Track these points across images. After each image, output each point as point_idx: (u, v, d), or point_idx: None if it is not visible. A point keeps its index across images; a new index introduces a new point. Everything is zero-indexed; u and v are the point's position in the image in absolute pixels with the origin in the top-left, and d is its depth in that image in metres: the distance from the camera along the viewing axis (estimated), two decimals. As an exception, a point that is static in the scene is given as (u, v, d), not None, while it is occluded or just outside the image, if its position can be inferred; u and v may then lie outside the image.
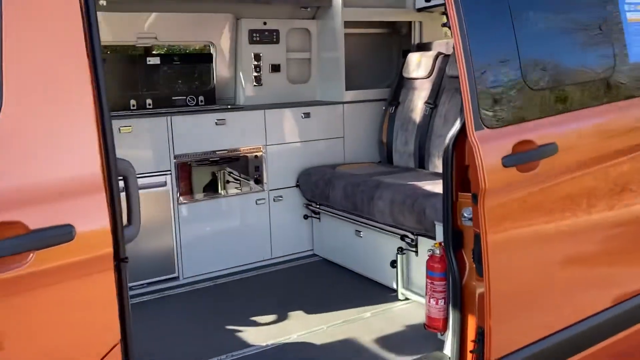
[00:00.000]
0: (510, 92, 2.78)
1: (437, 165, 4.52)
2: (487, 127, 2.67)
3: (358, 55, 5.40)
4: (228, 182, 4.58)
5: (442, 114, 4.55)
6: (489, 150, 2.65)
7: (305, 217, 4.83)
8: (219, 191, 4.53)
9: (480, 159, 2.63)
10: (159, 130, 4.20)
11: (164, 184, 4.25)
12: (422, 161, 4.69)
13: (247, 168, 4.63)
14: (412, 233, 3.78)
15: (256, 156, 4.64)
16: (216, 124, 4.41)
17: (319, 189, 4.49)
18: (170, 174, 4.27)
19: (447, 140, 2.93)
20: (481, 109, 2.66)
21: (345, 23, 4.94)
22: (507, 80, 2.77)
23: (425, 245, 3.70)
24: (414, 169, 4.66)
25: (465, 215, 2.94)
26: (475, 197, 2.71)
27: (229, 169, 4.57)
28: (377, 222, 4.03)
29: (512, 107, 2.77)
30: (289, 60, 5.15)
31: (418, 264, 3.81)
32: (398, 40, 5.64)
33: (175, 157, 4.28)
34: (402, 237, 3.84)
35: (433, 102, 4.65)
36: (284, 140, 4.75)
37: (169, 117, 4.23)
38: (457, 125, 2.92)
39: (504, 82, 2.76)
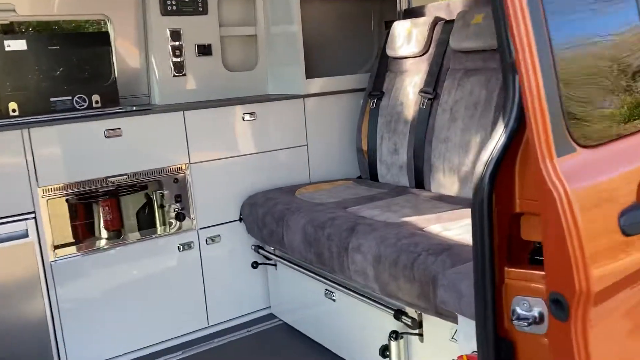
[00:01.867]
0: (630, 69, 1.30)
1: (443, 183, 3.04)
2: (582, 146, 1.19)
3: (323, 30, 3.90)
4: (133, 221, 3.08)
5: (448, 106, 3.07)
6: (589, 199, 1.18)
7: (255, 265, 3.33)
8: (120, 236, 3.03)
9: (570, 219, 1.15)
10: (10, 151, 2.68)
11: (25, 234, 2.74)
12: (419, 177, 3.21)
13: (163, 198, 3.13)
14: (414, 308, 2.31)
15: (176, 180, 3.14)
16: (106, 136, 2.90)
17: (269, 229, 3.00)
18: (34, 217, 2.76)
19: (478, 170, 1.47)
20: (567, 108, 1.18)
21: (302, -18, 3.45)
22: (625, 42, 1.30)
23: (436, 326, 2.24)
24: (408, 190, 3.18)
25: (520, 311, 1.52)
26: (558, 304, 1.24)
27: (132, 203, 3.07)
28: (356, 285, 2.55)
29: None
30: (225, 39, 3.64)
31: (423, 353, 2.35)
32: (377, 6, 4.14)
33: (42, 191, 2.77)
34: (398, 314, 2.36)
35: (432, 90, 3.17)
36: (218, 154, 3.25)
37: (25, 130, 2.71)
38: (498, 140, 1.45)
39: (615, 44, 1.29)
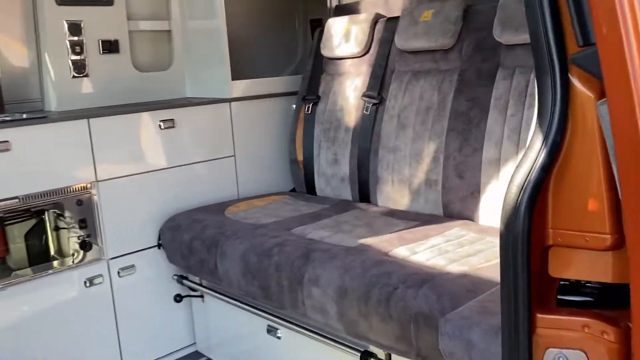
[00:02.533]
0: None
1: (392, 196, 2.75)
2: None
3: (243, 27, 3.51)
4: (24, 253, 2.52)
5: (395, 112, 2.78)
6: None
7: (178, 298, 2.86)
8: (9, 272, 2.46)
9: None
10: None
11: None
12: (363, 190, 2.90)
13: (65, 224, 2.59)
14: (387, 350, 1.97)
15: (79, 201, 2.61)
16: (-11, 151, 2.33)
17: (198, 257, 2.55)
18: None
19: (511, 196, 1.17)
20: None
21: (223, -28, 3.02)
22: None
23: (409, 367, 1.91)
24: (354, 205, 2.85)
25: (554, 365, 1.23)
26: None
27: (25, 231, 2.51)
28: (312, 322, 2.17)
29: None
30: (135, 34, 3.14)
31: (393, 399, 2.02)
32: (302, 3, 3.81)
33: None
34: (365, 356, 2.02)
35: (377, 94, 2.86)
36: (131, 168, 2.75)
37: None
38: (536, 159, 1.16)
39: None
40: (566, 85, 1.12)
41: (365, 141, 2.86)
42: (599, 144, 1.15)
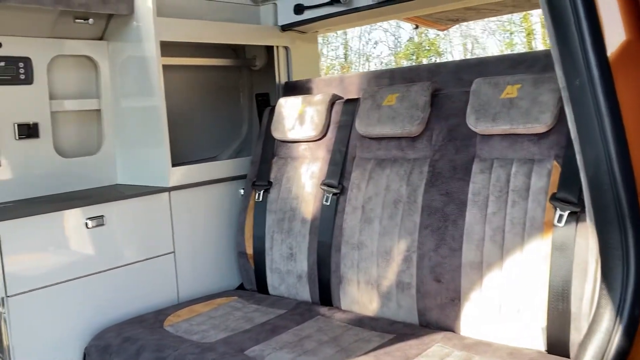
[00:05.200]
0: None
1: (358, 300, 2.43)
2: None
3: (181, 105, 3.17)
4: None
5: (359, 204, 2.49)
6: None
7: None
8: None
9: None
10: None
11: None
12: (325, 291, 2.56)
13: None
14: None
15: (-16, 324, 2.13)
16: None
17: (132, 389, 2.11)
18: None
19: None
20: None
21: (162, 46, 2.69)
22: None
23: None
24: (314, 310, 2.50)
25: None
26: None
27: None
28: None
29: None
30: (58, 116, 2.74)
31: None
32: (246, 77, 3.53)
33: None
34: None
35: (337, 182, 2.57)
36: (49, 279, 2.29)
37: None
38: (609, 342, 0.85)
39: None
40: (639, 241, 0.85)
41: (326, 235, 2.55)
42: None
